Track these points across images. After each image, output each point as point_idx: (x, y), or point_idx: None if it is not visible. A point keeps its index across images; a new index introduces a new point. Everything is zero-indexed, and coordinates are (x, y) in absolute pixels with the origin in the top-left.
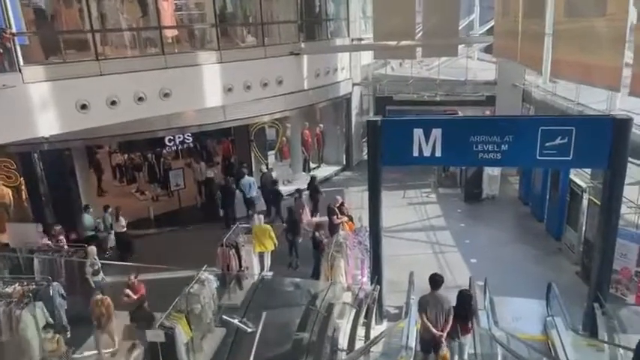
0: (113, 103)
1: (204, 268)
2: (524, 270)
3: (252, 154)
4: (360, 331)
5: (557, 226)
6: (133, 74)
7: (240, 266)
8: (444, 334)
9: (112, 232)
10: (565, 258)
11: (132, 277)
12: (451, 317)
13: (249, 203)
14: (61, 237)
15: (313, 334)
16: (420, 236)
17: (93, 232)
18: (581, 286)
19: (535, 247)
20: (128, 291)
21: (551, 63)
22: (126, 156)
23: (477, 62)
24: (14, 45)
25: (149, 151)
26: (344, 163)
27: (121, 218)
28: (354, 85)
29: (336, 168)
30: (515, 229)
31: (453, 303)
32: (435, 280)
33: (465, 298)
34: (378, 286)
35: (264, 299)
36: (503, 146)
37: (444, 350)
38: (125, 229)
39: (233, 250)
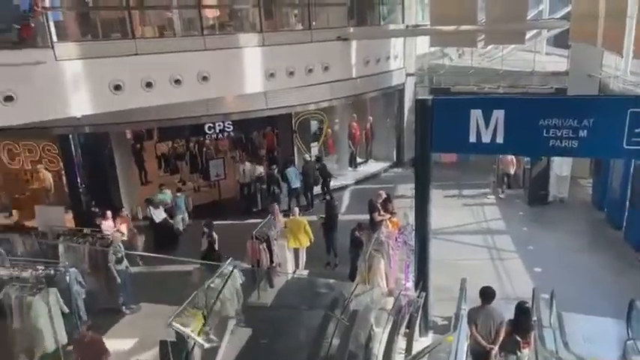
0: (148, 84)
1: (228, 262)
2: (599, 283)
3: (295, 147)
4: (401, 343)
5: (638, 234)
6: (169, 55)
7: (272, 262)
8: (495, 348)
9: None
10: None
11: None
12: (503, 330)
13: (293, 194)
14: (123, 225)
15: (333, 344)
16: (476, 240)
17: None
18: None
19: (611, 258)
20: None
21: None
22: (170, 144)
23: (545, 57)
24: (47, 20)
25: (189, 140)
26: (394, 159)
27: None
28: (407, 75)
29: (385, 164)
30: (587, 237)
31: (507, 316)
32: (487, 293)
33: (522, 312)
34: (424, 293)
35: (291, 300)
36: (581, 132)
37: None
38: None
39: (264, 244)
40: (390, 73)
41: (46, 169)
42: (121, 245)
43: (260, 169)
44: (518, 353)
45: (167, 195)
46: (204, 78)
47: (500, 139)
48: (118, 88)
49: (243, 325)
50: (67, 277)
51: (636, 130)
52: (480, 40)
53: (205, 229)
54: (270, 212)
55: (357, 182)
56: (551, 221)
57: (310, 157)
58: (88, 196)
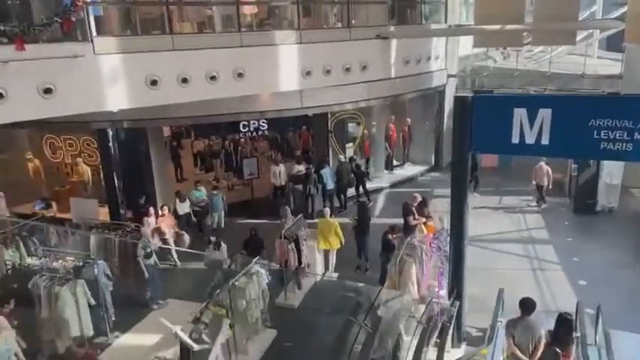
0: (184, 80)
1: (255, 260)
2: None
3: (330, 148)
4: (432, 354)
5: None
6: (206, 51)
7: (300, 263)
8: None
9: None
10: None
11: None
12: (542, 344)
13: (327, 196)
14: (164, 224)
15: (358, 351)
16: (516, 249)
17: (198, 209)
18: None
19: None
20: None
21: None
22: (206, 141)
23: (596, 60)
24: (87, 15)
25: (226, 138)
26: (432, 163)
27: None
28: (449, 76)
29: (422, 168)
30: (638, 251)
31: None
32: (527, 304)
33: (562, 323)
34: (458, 302)
35: (319, 303)
36: (636, 134)
37: None
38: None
39: (292, 244)
40: (431, 74)
41: (85, 162)
42: (150, 240)
43: (299, 168)
44: None
45: (202, 192)
46: (240, 75)
47: (545, 141)
48: (154, 83)
49: (269, 326)
50: (95, 270)
51: None
52: (526, 41)
53: (212, 238)
54: (282, 216)
55: (393, 185)
56: (598, 232)
57: (345, 158)
58: (123, 192)
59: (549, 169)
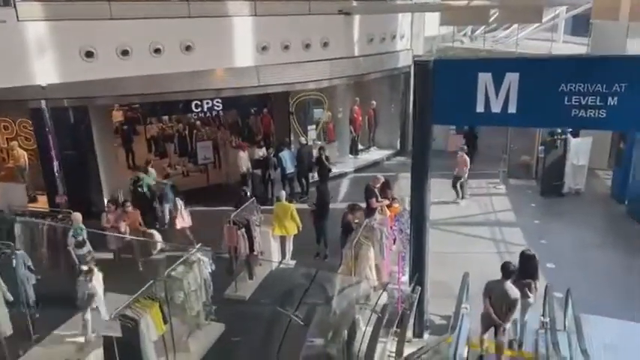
0: (125, 52)
1: (197, 247)
2: (620, 283)
3: (292, 131)
4: (391, 346)
5: None
6: (149, 21)
7: (252, 250)
8: (506, 324)
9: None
10: None
11: None
12: (515, 310)
13: (287, 180)
14: (123, 223)
15: (311, 344)
16: (483, 232)
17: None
18: None
19: (635, 256)
20: None
21: None
22: (159, 125)
23: (562, 44)
24: None
25: (180, 120)
26: (398, 147)
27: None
28: (414, 57)
29: (388, 152)
30: (607, 232)
31: None
32: (507, 269)
33: (527, 260)
34: (419, 288)
35: (272, 294)
36: (610, 99)
37: (502, 337)
38: None
39: (243, 230)
40: (397, 54)
41: (21, 146)
42: (83, 228)
43: (260, 152)
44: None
45: (151, 176)
46: (188, 48)
47: (512, 109)
48: (89, 55)
49: (215, 319)
50: (14, 261)
51: None
52: (493, 18)
53: (84, 267)
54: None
55: (357, 170)
56: (566, 214)
57: (306, 140)
58: (63, 179)
59: (467, 158)
